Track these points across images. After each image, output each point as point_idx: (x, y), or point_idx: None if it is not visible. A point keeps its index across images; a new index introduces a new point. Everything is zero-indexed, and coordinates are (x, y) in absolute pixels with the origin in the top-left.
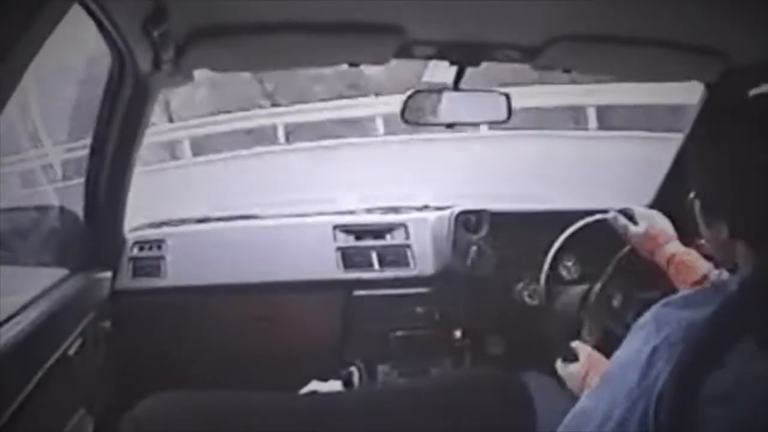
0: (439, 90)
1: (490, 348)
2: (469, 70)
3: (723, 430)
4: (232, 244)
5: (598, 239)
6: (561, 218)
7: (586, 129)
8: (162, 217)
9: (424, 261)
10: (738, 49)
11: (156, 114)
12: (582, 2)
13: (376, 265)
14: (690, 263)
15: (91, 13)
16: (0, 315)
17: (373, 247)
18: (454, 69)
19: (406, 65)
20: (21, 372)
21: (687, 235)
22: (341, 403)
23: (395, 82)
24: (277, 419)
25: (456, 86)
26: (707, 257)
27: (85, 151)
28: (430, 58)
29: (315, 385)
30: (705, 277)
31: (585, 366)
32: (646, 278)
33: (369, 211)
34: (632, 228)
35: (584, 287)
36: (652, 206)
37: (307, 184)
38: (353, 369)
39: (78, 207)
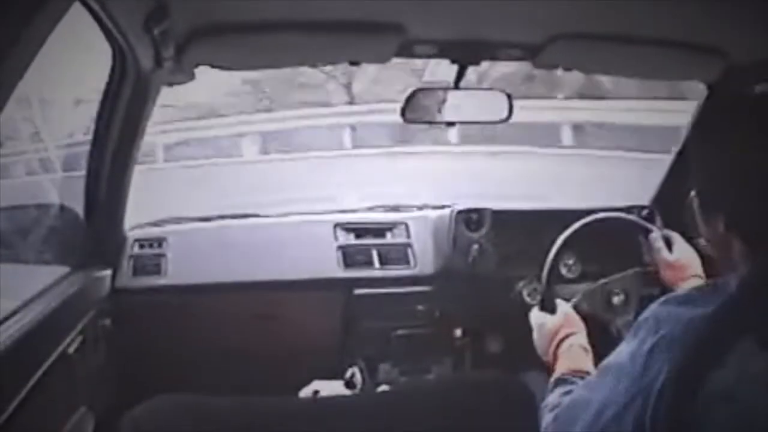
0: (439, 88)
1: (491, 347)
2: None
3: (723, 429)
4: (232, 242)
5: (599, 238)
6: (562, 217)
7: (561, 146)
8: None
9: (424, 259)
10: (738, 47)
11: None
12: (583, 1)
13: (377, 264)
14: None
15: (92, 11)
16: (0, 313)
17: (373, 246)
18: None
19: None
20: (21, 370)
21: (686, 234)
22: (343, 407)
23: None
24: (279, 423)
25: (457, 85)
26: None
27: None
28: (430, 56)
29: (316, 385)
30: None
31: (559, 321)
32: (646, 276)
33: (370, 209)
34: (666, 253)
35: (585, 286)
36: (652, 204)
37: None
38: (355, 368)
39: (78, 204)
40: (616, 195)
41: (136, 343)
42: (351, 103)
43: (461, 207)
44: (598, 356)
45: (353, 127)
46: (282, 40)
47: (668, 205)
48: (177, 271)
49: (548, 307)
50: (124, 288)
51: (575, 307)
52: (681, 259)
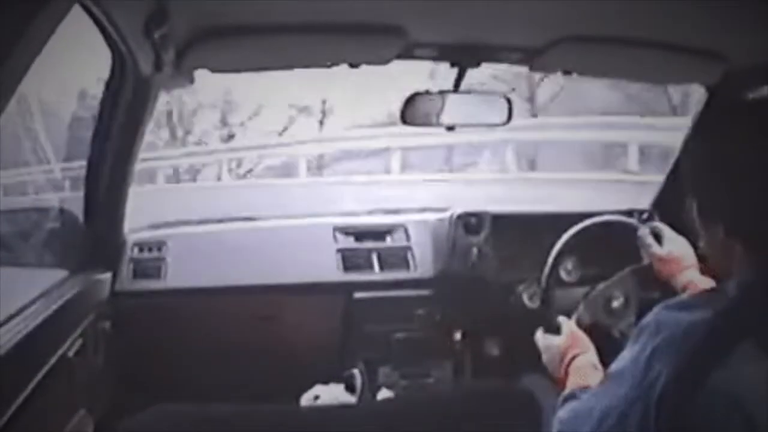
0: (438, 92)
1: (490, 350)
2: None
3: (724, 431)
4: (232, 245)
5: (599, 242)
6: (562, 221)
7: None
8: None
9: (424, 263)
10: (738, 51)
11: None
12: (583, 4)
13: (377, 267)
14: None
15: (91, 15)
16: (0, 316)
17: (373, 249)
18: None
19: None
20: (21, 373)
21: (686, 238)
22: (344, 415)
23: None
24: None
25: (456, 88)
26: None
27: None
28: (431, 59)
29: (317, 390)
30: None
31: (566, 342)
32: (647, 280)
33: (370, 212)
34: (656, 248)
35: (584, 290)
36: (651, 208)
37: None
38: (355, 371)
39: (78, 208)
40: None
41: (136, 346)
42: None
43: (461, 211)
44: (603, 363)
45: None
46: (282, 43)
47: (668, 208)
48: (176, 275)
49: (551, 326)
50: (123, 291)
51: (577, 320)
52: (673, 251)
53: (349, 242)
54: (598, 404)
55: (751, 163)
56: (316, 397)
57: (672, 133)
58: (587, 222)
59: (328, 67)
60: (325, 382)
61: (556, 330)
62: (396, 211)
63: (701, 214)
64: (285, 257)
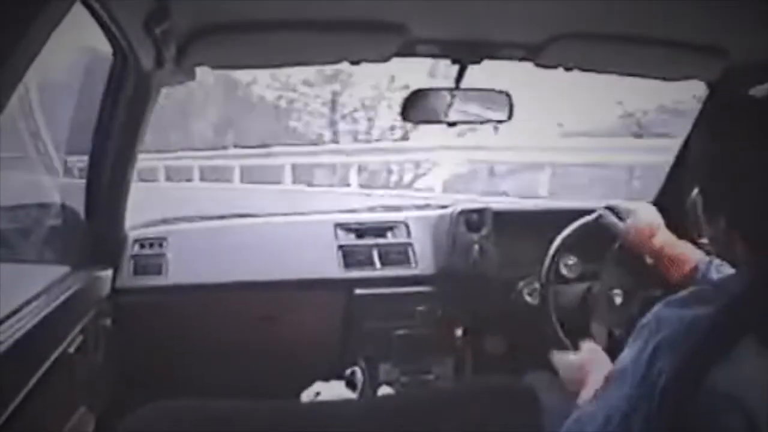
0: (440, 89)
1: (491, 346)
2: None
3: (726, 428)
4: (233, 242)
5: (600, 237)
6: (563, 217)
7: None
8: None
9: (425, 259)
10: (739, 47)
11: None
12: (584, 0)
13: (378, 264)
14: (679, 254)
15: (93, 11)
16: (0, 312)
17: (374, 246)
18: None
19: None
20: (21, 370)
21: (688, 233)
22: (344, 411)
23: None
24: (280, 427)
25: (457, 85)
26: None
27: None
28: (432, 56)
29: (318, 387)
30: (696, 267)
31: (584, 357)
32: (647, 275)
33: (371, 209)
34: (619, 225)
35: (585, 285)
36: (653, 204)
37: None
38: (355, 368)
39: (79, 204)
40: None
41: (137, 343)
42: None
43: (462, 207)
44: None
45: None
46: (283, 40)
47: (670, 204)
48: (177, 271)
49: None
50: (124, 288)
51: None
52: (634, 222)
53: (350, 239)
54: (602, 406)
55: (753, 160)
56: (317, 394)
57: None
58: (588, 218)
59: (330, 64)
60: (326, 378)
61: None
62: (397, 208)
63: (705, 209)
64: (286, 254)
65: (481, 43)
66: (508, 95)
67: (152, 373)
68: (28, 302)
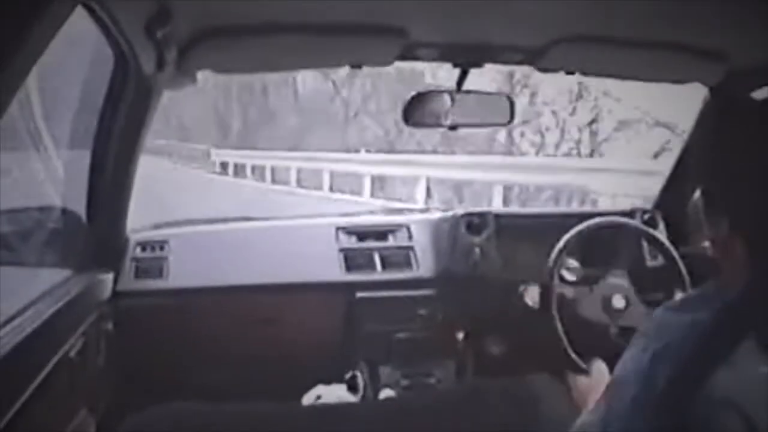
0: (441, 92)
1: (493, 350)
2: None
3: None
4: (234, 245)
5: (600, 242)
6: (564, 221)
7: None
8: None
9: (426, 263)
10: (741, 50)
11: None
12: (585, 3)
13: (379, 267)
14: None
15: (94, 14)
16: (1, 316)
17: (375, 249)
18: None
19: None
20: (22, 373)
21: (688, 237)
22: (346, 414)
23: None
24: (281, 430)
25: (459, 88)
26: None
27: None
28: (432, 60)
29: (319, 390)
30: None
31: (595, 379)
32: (648, 279)
33: (372, 212)
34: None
35: (586, 289)
36: (653, 208)
37: None
38: (357, 372)
39: (80, 207)
40: None
41: (138, 346)
42: None
43: (463, 210)
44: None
45: None
46: (284, 44)
47: (670, 208)
48: (178, 274)
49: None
50: (125, 291)
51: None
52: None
53: (352, 242)
54: (603, 413)
55: (756, 162)
56: (318, 397)
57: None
58: (589, 222)
59: (331, 68)
60: (327, 382)
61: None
62: (399, 211)
63: (707, 210)
64: (287, 257)
65: (482, 46)
66: (509, 98)
67: (153, 376)
68: (29, 306)
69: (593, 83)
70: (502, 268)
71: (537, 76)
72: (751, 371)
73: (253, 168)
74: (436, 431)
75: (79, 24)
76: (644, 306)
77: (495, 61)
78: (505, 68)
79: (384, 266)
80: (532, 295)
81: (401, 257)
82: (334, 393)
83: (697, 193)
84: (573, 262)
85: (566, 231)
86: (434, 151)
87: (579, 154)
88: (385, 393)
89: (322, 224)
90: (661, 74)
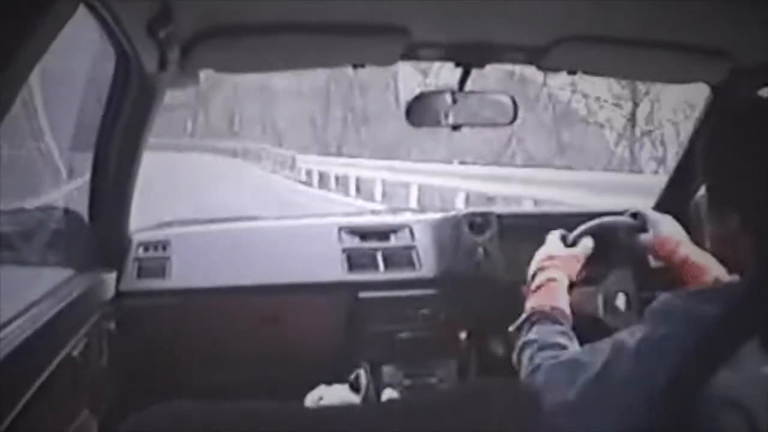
0: (443, 92)
1: (496, 349)
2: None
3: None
4: (237, 245)
5: (603, 242)
6: (567, 221)
7: None
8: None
9: (429, 262)
10: (743, 50)
11: None
12: (588, 3)
13: (381, 267)
14: (702, 265)
15: (96, 14)
16: (3, 316)
17: (378, 249)
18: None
19: None
20: (25, 373)
21: (691, 237)
22: (348, 415)
23: None
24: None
25: (461, 88)
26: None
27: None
28: (435, 59)
29: (321, 391)
30: (716, 280)
31: (555, 253)
32: (651, 279)
33: (374, 212)
34: (642, 235)
35: (589, 289)
36: (655, 208)
37: None
38: (359, 371)
39: (83, 207)
40: None
41: (140, 346)
42: None
43: (466, 210)
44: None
45: None
46: (287, 43)
47: (672, 208)
48: (181, 274)
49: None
50: (128, 291)
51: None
52: (661, 231)
53: (354, 242)
54: (599, 361)
55: (760, 161)
56: (320, 398)
57: None
58: (592, 222)
59: (333, 67)
60: (329, 382)
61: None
62: (401, 211)
63: (713, 208)
64: (290, 257)
65: (484, 46)
66: (512, 98)
67: (156, 376)
68: (31, 306)
69: None
70: (505, 267)
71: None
72: (754, 372)
73: (337, 178)
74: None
75: (81, 23)
76: (646, 304)
77: (497, 60)
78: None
79: (386, 266)
80: None
81: (404, 257)
82: (337, 393)
83: (702, 192)
84: None
85: (569, 231)
86: (546, 166)
87: None
88: (388, 393)
89: (324, 224)
90: (663, 74)
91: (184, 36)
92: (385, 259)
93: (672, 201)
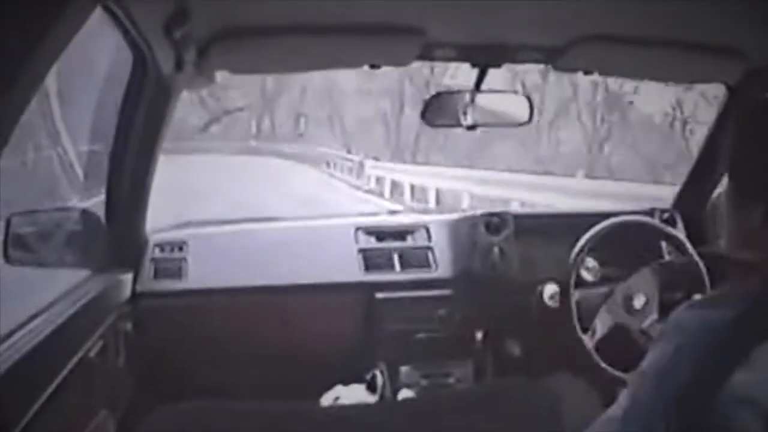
0: (460, 92)
1: (512, 350)
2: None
3: None
4: (253, 246)
5: (620, 241)
6: (583, 221)
7: None
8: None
9: (445, 263)
10: (759, 50)
11: None
12: (603, 4)
13: (398, 267)
14: None
15: (113, 15)
16: (21, 316)
17: (394, 249)
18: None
19: None
20: (42, 373)
21: (706, 237)
22: (363, 416)
23: None
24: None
25: (477, 88)
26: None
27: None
28: (451, 60)
29: (338, 391)
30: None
31: None
32: (669, 278)
33: (391, 212)
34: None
35: (605, 289)
36: (672, 207)
37: None
38: (376, 371)
39: (100, 208)
40: None
41: (157, 346)
42: None
43: (482, 211)
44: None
45: None
46: (302, 44)
47: (689, 208)
48: (197, 275)
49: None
50: (144, 291)
51: (600, 321)
52: None
53: (371, 242)
54: (629, 407)
55: None
56: (336, 398)
57: None
58: (608, 222)
59: (349, 68)
60: (346, 382)
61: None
62: (418, 211)
63: (738, 196)
64: (306, 257)
65: (500, 46)
66: (528, 98)
67: (173, 376)
68: (48, 306)
69: None
70: (521, 268)
71: None
72: None
73: (413, 188)
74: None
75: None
76: (666, 305)
77: (513, 61)
78: None
79: (403, 266)
80: (551, 295)
81: (420, 257)
82: (353, 393)
83: (727, 185)
84: (592, 262)
85: (585, 231)
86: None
87: None
88: (404, 393)
89: (341, 225)
90: (679, 74)
91: (200, 37)
92: (401, 260)
93: (689, 200)
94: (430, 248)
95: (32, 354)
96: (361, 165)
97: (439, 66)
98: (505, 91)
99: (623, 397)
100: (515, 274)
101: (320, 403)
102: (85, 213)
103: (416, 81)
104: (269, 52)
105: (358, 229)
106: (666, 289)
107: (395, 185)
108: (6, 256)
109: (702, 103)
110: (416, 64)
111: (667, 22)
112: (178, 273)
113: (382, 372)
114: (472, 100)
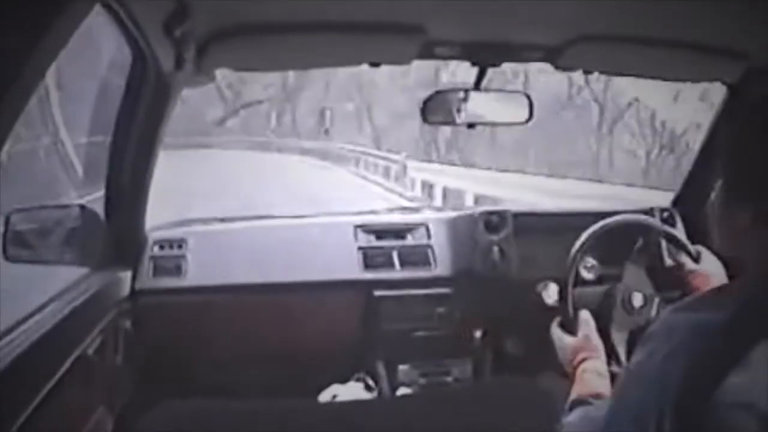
0: (459, 90)
1: (510, 348)
2: None
3: None
4: (253, 243)
5: (619, 240)
6: (582, 219)
7: None
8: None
9: (444, 261)
10: (759, 49)
11: None
12: (604, 2)
13: (397, 265)
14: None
15: (112, 13)
16: (20, 313)
17: (394, 247)
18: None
19: None
20: (41, 370)
21: (705, 237)
22: (360, 412)
23: None
24: (296, 426)
25: (477, 86)
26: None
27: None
28: (451, 58)
29: (335, 389)
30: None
31: (578, 344)
32: (667, 278)
33: (390, 210)
34: (691, 264)
35: (604, 288)
36: (672, 206)
37: None
38: (375, 370)
39: (99, 205)
40: None
41: (156, 344)
42: None
43: (482, 209)
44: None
45: None
46: (302, 42)
47: (688, 207)
48: (197, 273)
49: (568, 324)
50: (143, 289)
51: (596, 316)
52: (708, 269)
53: (370, 240)
54: (612, 411)
55: None
56: (334, 396)
57: None
58: (608, 220)
59: (348, 66)
60: (345, 380)
61: (571, 325)
62: (417, 210)
63: (728, 196)
64: (305, 255)
65: (500, 45)
66: (527, 97)
67: (171, 373)
68: (47, 303)
69: None
70: (521, 266)
71: None
72: (765, 374)
73: (445, 190)
74: (451, 428)
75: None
76: (663, 304)
77: (514, 59)
78: None
79: (402, 265)
80: (550, 294)
81: (420, 256)
82: (351, 392)
83: (719, 186)
84: (592, 261)
85: (584, 229)
86: None
87: None
88: (403, 391)
89: (340, 223)
90: (679, 73)
91: (200, 35)
92: (400, 258)
93: (688, 199)
94: (429, 246)
95: (31, 351)
96: (404, 167)
97: None
98: (505, 89)
99: (606, 401)
100: (514, 272)
101: (317, 400)
102: (84, 210)
103: (455, 72)
104: (269, 50)
105: (357, 227)
106: (663, 288)
107: (427, 186)
108: (5, 253)
109: None
110: None
111: (667, 21)
112: (177, 270)
113: (380, 370)
114: (471, 99)
